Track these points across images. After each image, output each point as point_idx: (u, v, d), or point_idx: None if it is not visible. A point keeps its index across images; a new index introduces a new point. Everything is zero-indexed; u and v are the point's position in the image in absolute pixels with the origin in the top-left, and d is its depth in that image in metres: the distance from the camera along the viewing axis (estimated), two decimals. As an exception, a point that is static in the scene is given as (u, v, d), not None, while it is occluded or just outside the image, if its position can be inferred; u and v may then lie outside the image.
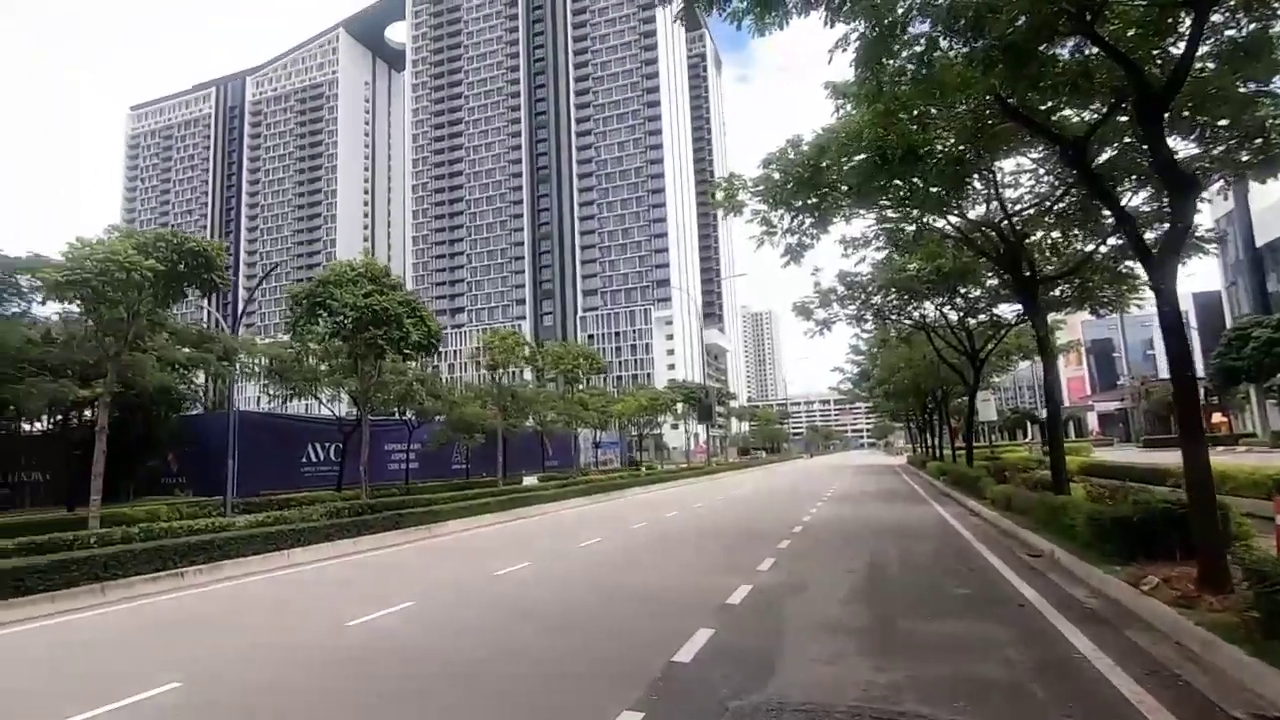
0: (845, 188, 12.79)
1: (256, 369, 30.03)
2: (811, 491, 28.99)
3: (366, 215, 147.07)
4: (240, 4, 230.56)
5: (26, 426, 28.25)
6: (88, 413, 26.51)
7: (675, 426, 73.39)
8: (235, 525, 13.05)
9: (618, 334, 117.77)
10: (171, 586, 10.76)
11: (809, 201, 13.51)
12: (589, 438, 58.18)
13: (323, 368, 28.89)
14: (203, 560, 11.44)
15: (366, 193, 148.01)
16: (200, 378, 33.48)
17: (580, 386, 42.53)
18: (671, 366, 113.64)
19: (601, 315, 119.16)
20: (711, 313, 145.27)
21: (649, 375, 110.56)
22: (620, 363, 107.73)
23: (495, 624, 7.81)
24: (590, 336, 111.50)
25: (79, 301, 12.26)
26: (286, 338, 31.58)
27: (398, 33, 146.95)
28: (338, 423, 32.71)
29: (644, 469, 54.84)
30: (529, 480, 34.44)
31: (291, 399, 32.69)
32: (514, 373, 34.87)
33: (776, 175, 13.36)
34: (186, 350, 24.79)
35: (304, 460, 32.65)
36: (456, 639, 7.21)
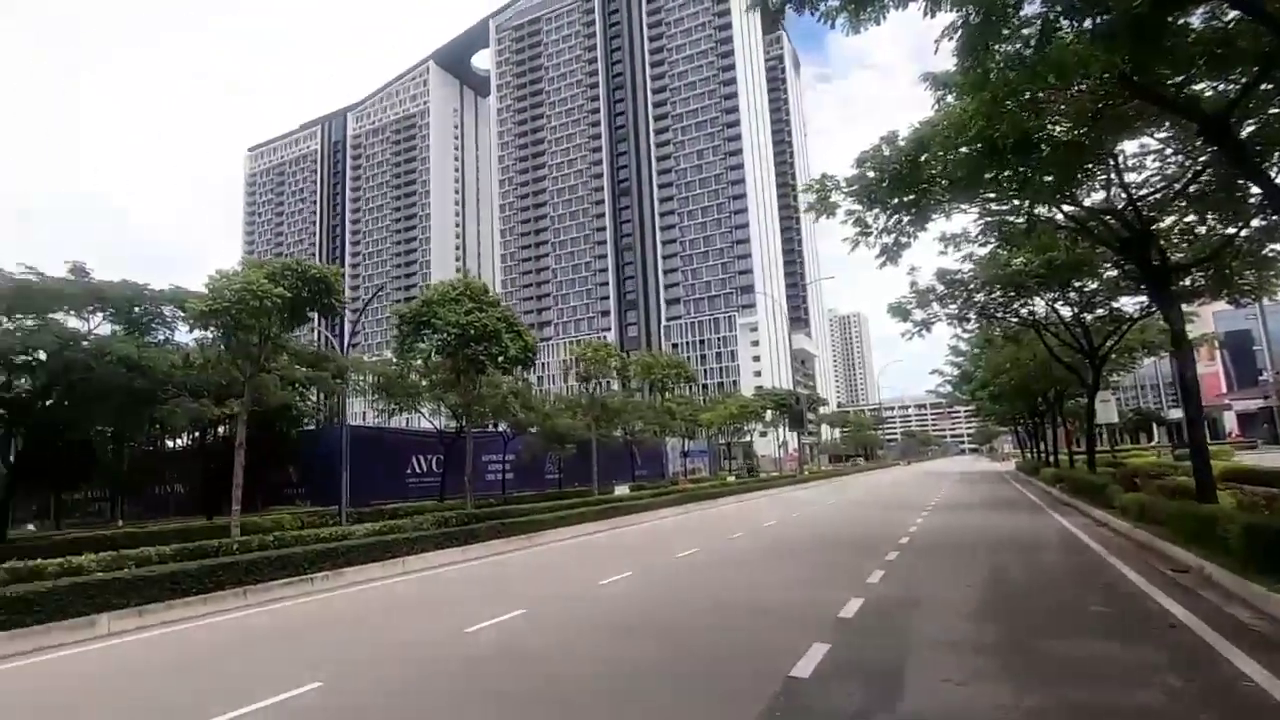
0: (946, 182, 12.26)
1: (365, 386, 31.91)
2: (914, 500, 27.77)
3: (458, 237, 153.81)
4: (341, 44, 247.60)
5: (170, 443, 31.16)
6: (221, 429, 29.00)
7: (764, 434, 72.25)
8: (354, 534, 13.85)
9: (702, 341, 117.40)
10: (302, 591, 11.53)
11: (906, 199, 13.04)
12: (676, 447, 58.20)
13: (423, 383, 30.36)
14: (328, 566, 12.21)
15: (457, 215, 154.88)
16: (314, 395, 35.90)
17: (668, 396, 42.61)
18: (758, 373, 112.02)
19: (685, 323, 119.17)
20: (798, 317, 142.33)
21: (735, 382, 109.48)
22: (705, 370, 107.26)
23: (605, 633, 7.89)
24: (675, 345, 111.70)
25: (218, 328, 13.50)
26: (390, 355, 33.48)
27: (483, 60, 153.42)
28: (439, 435, 34.21)
29: (734, 477, 54.23)
30: (620, 490, 34.77)
31: (397, 413, 34.57)
32: (603, 383, 35.38)
33: (871, 174, 12.98)
34: (304, 370, 26.61)
35: (409, 471, 34.31)
36: (571, 647, 7.33)
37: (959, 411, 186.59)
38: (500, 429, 37.79)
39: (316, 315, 15.73)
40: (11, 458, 21.44)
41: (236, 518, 14.02)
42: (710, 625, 8.09)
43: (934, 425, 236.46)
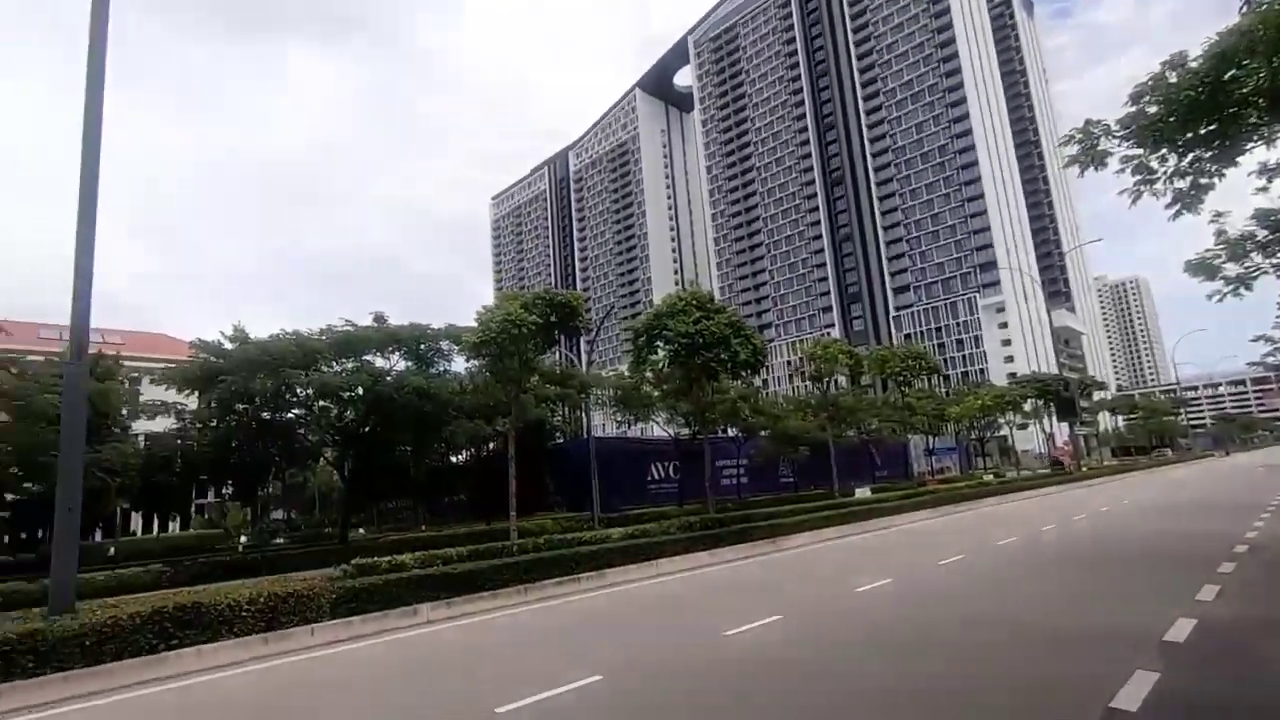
0: (1264, 101, 9.81)
1: (604, 399, 34.34)
2: (1244, 499, 22.49)
3: (674, 250, 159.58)
4: (563, 92, 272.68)
5: (454, 458, 36.30)
6: (491, 445, 33.13)
7: (1024, 426, 63.85)
8: (611, 537, 14.85)
9: (938, 329, 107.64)
10: (572, 590, 12.61)
11: (1205, 131, 10.70)
12: (920, 444, 53.87)
13: (655, 393, 31.81)
14: (591, 567, 13.22)
15: (672, 230, 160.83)
16: (561, 410, 39.40)
17: (907, 390, 39.65)
18: (1009, 358, 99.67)
19: (917, 312, 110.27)
20: (1056, 290, 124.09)
21: (982, 371, 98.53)
22: (946, 360, 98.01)
23: (875, 647, 7.45)
24: (906, 336, 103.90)
25: (486, 356, 15.52)
26: (623, 370, 35.68)
27: (684, 77, 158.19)
28: (674, 443, 35.54)
29: (991, 476, 48.62)
30: (862, 492, 33.03)
31: (633, 424, 36.66)
32: (834, 382, 34.00)
33: (1153, 109, 10.85)
34: (554, 388, 29.38)
35: (649, 479, 36.10)
36: (838, 660, 7.03)
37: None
38: (732, 434, 38.17)
39: (563, 337, 17.37)
40: (346, 475, 26.53)
41: (514, 523, 15.83)
42: (997, 643, 7.24)
43: (1259, 406, 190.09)
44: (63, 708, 7.13)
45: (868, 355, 36.72)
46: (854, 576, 11.92)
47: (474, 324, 15.35)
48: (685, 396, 26.40)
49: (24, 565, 23.96)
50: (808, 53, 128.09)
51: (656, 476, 36.53)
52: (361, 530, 32.79)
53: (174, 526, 41.18)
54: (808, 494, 35.87)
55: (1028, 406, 55.19)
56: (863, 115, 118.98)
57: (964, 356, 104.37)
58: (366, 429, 25.11)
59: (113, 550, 26.38)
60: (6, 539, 29.15)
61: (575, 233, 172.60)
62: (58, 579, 8.61)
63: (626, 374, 31.47)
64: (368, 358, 24.36)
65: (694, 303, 18.48)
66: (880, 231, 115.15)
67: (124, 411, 25.15)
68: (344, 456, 26.12)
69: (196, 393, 24.30)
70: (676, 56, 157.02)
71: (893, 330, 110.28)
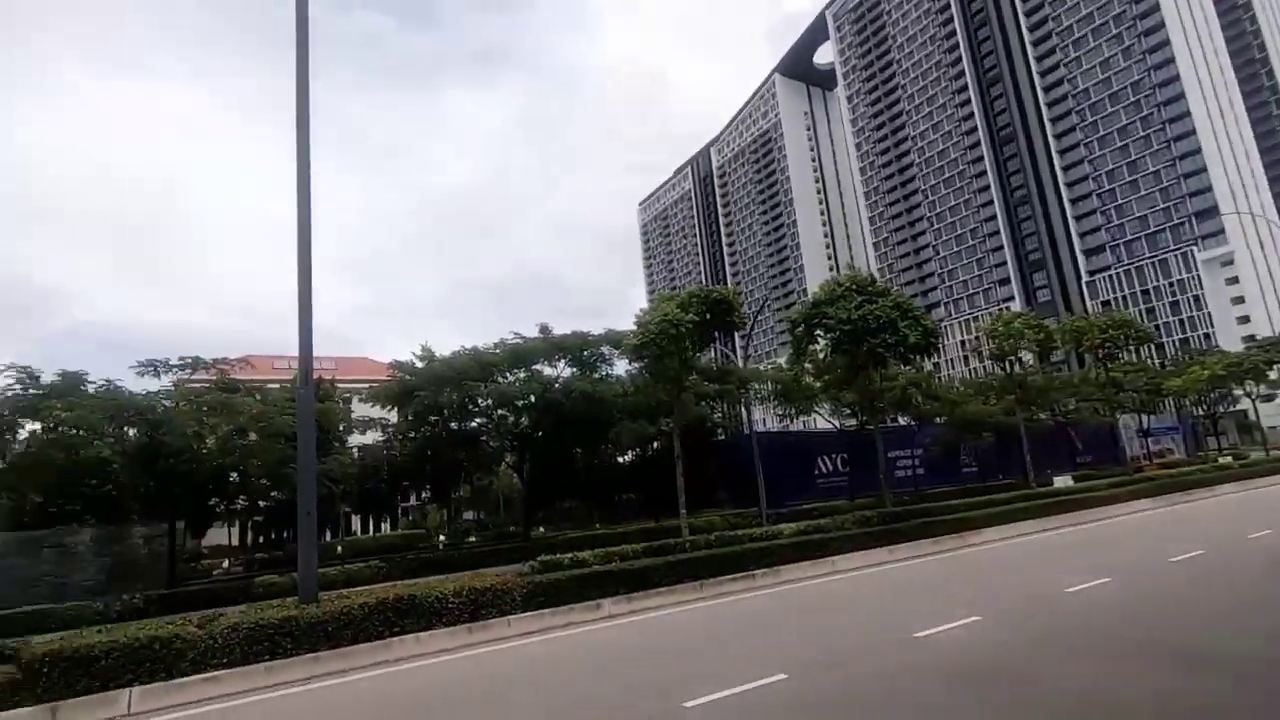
0: None
1: (764, 394, 33.79)
2: None
3: (826, 236, 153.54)
4: (692, 89, 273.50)
5: (620, 459, 37.59)
6: (655, 445, 33.88)
7: (1270, 398, 53.76)
8: (782, 534, 14.56)
9: (1145, 293, 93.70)
10: (745, 586, 12.53)
11: None
12: (1130, 425, 47.23)
13: (817, 384, 30.72)
14: (765, 564, 13.05)
15: (822, 214, 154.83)
16: (721, 407, 39.34)
17: (1110, 364, 34.97)
18: (1244, 319, 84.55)
19: (1115, 275, 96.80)
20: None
21: (1206, 336, 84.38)
22: (1158, 327, 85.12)
23: (1092, 652, 6.62)
24: (1105, 303, 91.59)
25: (646, 358, 15.91)
26: (780, 363, 34.86)
27: (825, 54, 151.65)
28: (841, 434, 34.16)
29: (1231, 459, 41.44)
30: (1061, 481, 29.55)
31: (794, 417, 35.71)
32: (1015, 360, 30.71)
33: None
34: (712, 385, 29.42)
35: (816, 473, 34.93)
36: (1047, 668, 6.34)
37: None
38: (904, 423, 35.98)
39: (720, 334, 17.35)
40: (524, 477, 28.43)
41: (684, 520, 16.06)
42: (1256, 654, 6.15)
43: None
44: (314, 684, 8.30)
45: (1058, 328, 32.82)
46: (1062, 575, 10.71)
47: (632, 328, 15.81)
48: (849, 386, 25.25)
49: (275, 561, 28.25)
50: (962, 3, 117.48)
51: (824, 470, 35.26)
52: (542, 529, 34.96)
53: (385, 527, 46.56)
54: (995, 485, 32.77)
55: (1274, 374, 46.37)
56: (1033, 62, 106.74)
57: (1181, 321, 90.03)
58: (540, 433, 26.76)
59: (340, 549, 30.39)
60: (260, 539, 34.60)
61: (722, 229, 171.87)
62: (304, 574, 10.04)
63: (785, 366, 30.73)
64: (537, 367, 25.97)
65: (854, 287, 17.60)
66: (1063, 189, 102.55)
67: (340, 427, 28.83)
68: (522, 460, 28.00)
69: (395, 408, 27.30)
70: (815, 34, 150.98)
71: (1086, 298, 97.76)
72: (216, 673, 8.34)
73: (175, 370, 22.24)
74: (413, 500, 44.21)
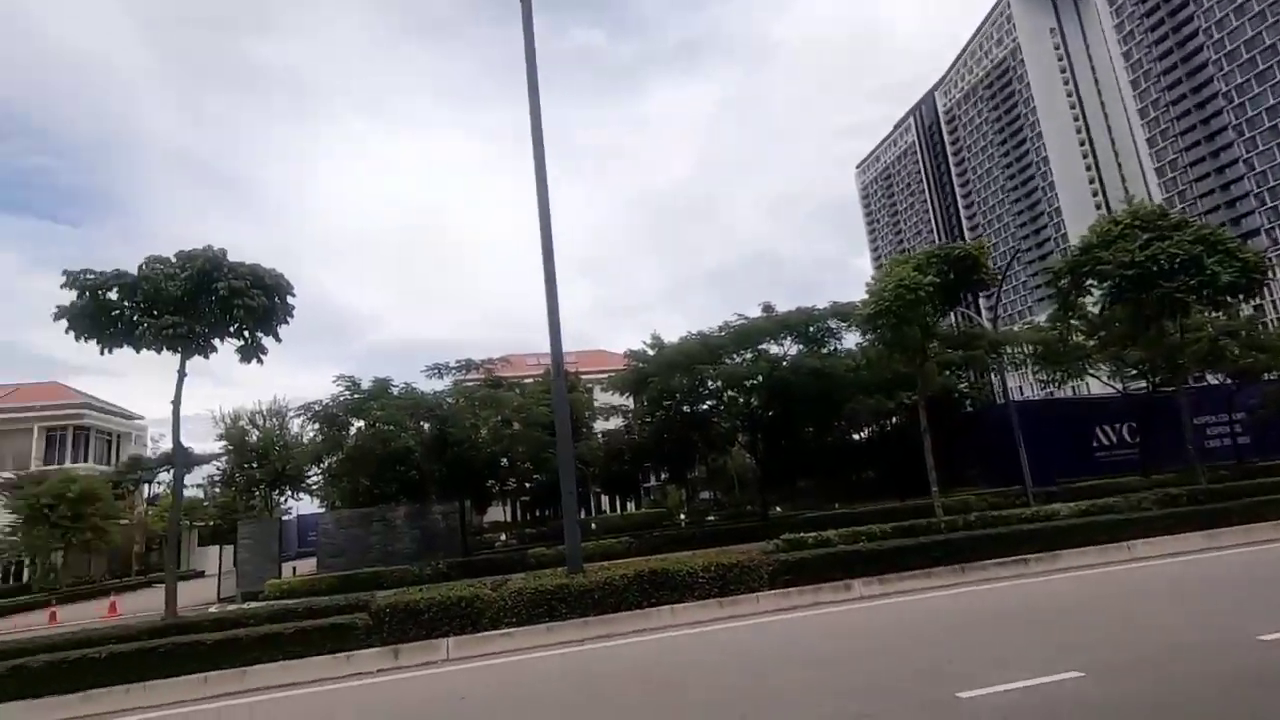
0: None
1: (1019, 358, 29.95)
2: None
3: (1089, 170, 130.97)
4: (906, 31, 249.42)
5: (854, 436, 35.98)
6: (893, 420, 31.85)
7: None
8: (1058, 514, 12.81)
9: None
10: (1016, 572, 11.25)
11: None
12: None
13: (1089, 344, 26.43)
14: (1038, 548, 11.60)
15: (1082, 146, 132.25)
16: (967, 375, 35.71)
17: None
18: None
19: None
20: None
21: None
22: None
23: None
24: None
25: (880, 328, 14.93)
26: (1039, 320, 30.51)
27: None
28: (1126, 399, 29.11)
29: None
30: None
31: (1060, 383, 31.10)
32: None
33: None
34: (957, 352, 26.82)
35: (1095, 445, 30.12)
36: None
37: None
38: (1217, 380, 29.55)
39: (967, 295, 15.68)
40: (758, 457, 28.53)
41: (937, 498, 14.89)
42: None
43: None
44: (587, 645, 9.19)
45: None
46: None
47: (861, 298, 14.94)
48: (1135, 342, 21.30)
49: (541, 535, 31.75)
50: None
51: (1105, 442, 30.22)
52: (778, 508, 34.84)
53: (630, 506, 49.93)
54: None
55: None
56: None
57: None
58: (770, 413, 26.63)
59: (593, 525, 33.27)
60: (528, 515, 39.12)
61: (954, 180, 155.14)
62: (570, 546, 11.17)
63: (1046, 325, 26.90)
64: (762, 346, 25.84)
65: (1137, 223, 14.70)
66: None
67: (587, 414, 31.44)
68: (754, 440, 28.13)
69: (632, 394, 29.05)
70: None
71: None
72: (509, 630, 9.63)
73: (454, 372, 26.02)
74: (653, 480, 46.82)
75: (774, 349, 26.00)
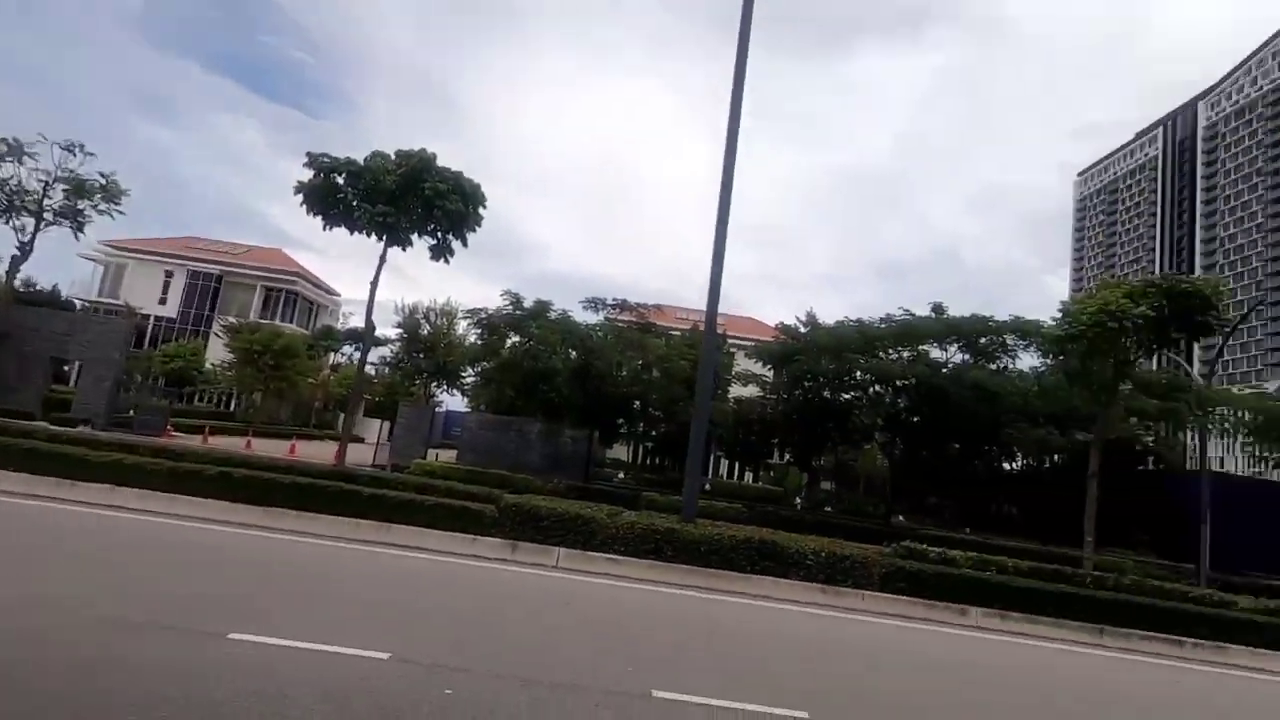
0: None
1: (1233, 424, 25.81)
2: None
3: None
4: (1174, 29, 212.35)
5: (1006, 465, 33.11)
6: (1055, 458, 28.92)
7: None
8: (1237, 605, 11.15)
9: None
10: (1167, 651, 10.04)
11: None
12: None
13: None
14: (1203, 635, 10.23)
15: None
16: (1163, 429, 31.43)
17: None
18: None
19: None
20: None
21: None
22: None
23: None
24: None
25: (1071, 355, 13.46)
26: (1270, 388, 25.90)
27: None
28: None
29: None
30: None
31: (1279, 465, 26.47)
32: None
33: None
34: (1154, 401, 23.65)
35: (1300, 541, 25.59)
36: None
37: None
38: None
39: (1184, 338, 13.62)
40: (893, 460, 27.19)
41: (1089, 550, 13.50)
42: None
43: None
44: (687, 592, 9.46)
45: None
46: None
47: (1054, 316, 13.43)
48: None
49: (656, 482, 32.60)
50: None
51: (1316, 541, 25.58)
52: (901, 518, 33.15)
53: (749, 478, 49.79)
54: None
55: None
56: None
57: None
58: (916, 418, 25.13)
59: (708, 486, 33.61)
60: (648, 461, 40.19)
61: (1199, 205, 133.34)
62: (688, 496, 11.45)
63: (1275, 393, 22.93)
64: (924, 348, 24.27)
65: None
66: None
67: (725, 377, 31.43)
68: (892, 442, 26.78)
69: (774, 367, 28.57)
70: None
71: None
72: (615, 556, 10.13)
73: (609, 309, 26.92)
74: (776, 458, 46.24)
75: (936, 353, 24.35)
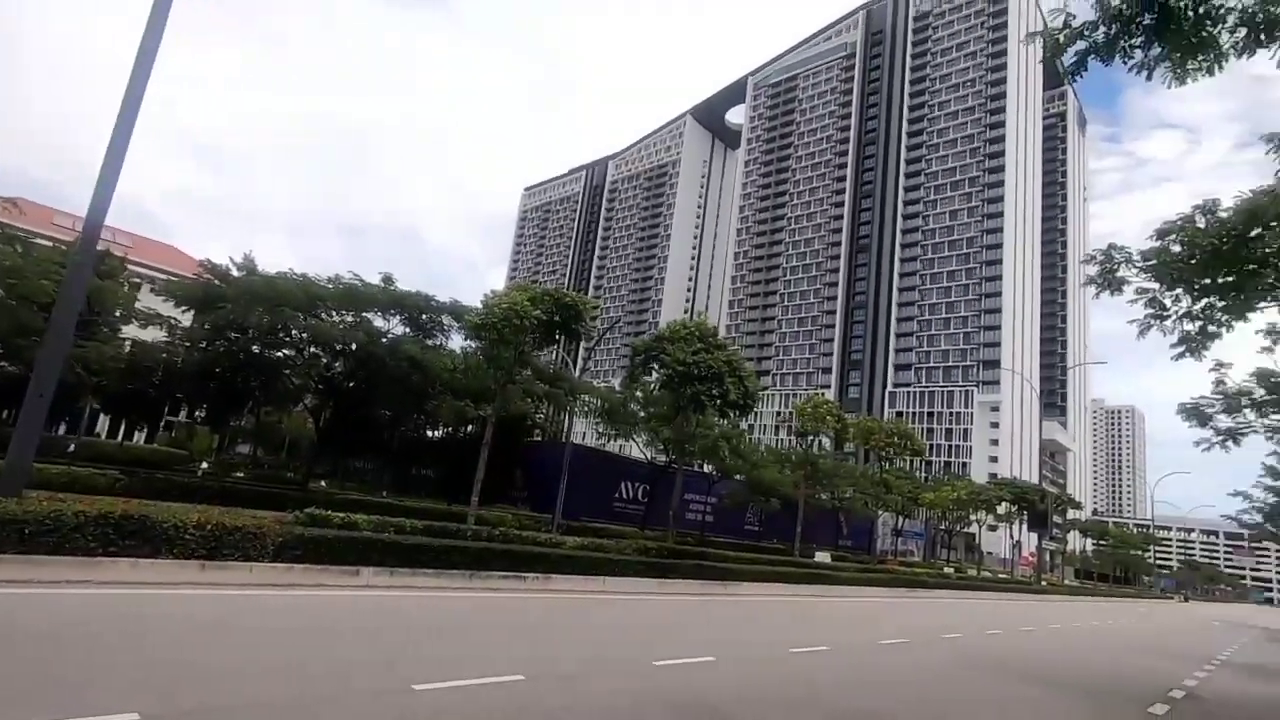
0: (1288, 264, 10.05)
1: (590, 409, 34.35)
2: (1187, 648, 22.46)
3: (690, 280, 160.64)
4: (617, 101, 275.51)
5: (430, 433, 36.16)
6: (469, 428, 33.04)
7: (994, 528, 63.87)
8: (565, 544, 14.80)
9: (930, 414, 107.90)
10: (515, 586, 12.56)
11: (1223, 281, 10.94)
12: (888, 523, 53.82)
13: (642, 415, 31.82)
14: (540, 569, 13.17)
15: (692, 259, 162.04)
16: (546, 409, 39.35)
17: (887, 468, 39.70)
18: (994, 458, 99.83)
19: (913, 392, 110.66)
20: (1052, 404, 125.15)
21: (965, 465, 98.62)
22: (932, 446, 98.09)
23: (797, 701, 7.42)
24: (899, 414, 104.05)
25: (484, 340, 15.58)
26: (615, 385, 35.74)
27: (737, 115, 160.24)
28: (649, 466, 35.49)
29: (951, 570, 48.50)
30: (821, 556, 32.92)
31: (613, 439, 36.60)
32: (818, 442, 34.02)
33: (1176, 248, 11.12)
34: (543, 386, 29.38)
35: (616, 496, 35.94)
36: (762, 707, 7.01)
37: (1268, 550, 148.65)
38: (707, 470, 38.12)
39: (563, 338, 17.44)
40: (320, 424, 26.43)
41: (474, 508, 15.79)
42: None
43: (1226, 560, 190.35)
44: (-12, 589, 7.07)
45: (855, 423, 36.82)
46: (793, 635, 11.90)
47: (479, 305, 15.45)
48: (669, 423, 26.45)
49: (-19, 442, 23.70)
50: (860, 119, 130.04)
51: (625, 496, 36.37)
52: (324, 482, 32.55)
53: (139, 438, 40.89)
54: (769, 546, 35.75)
55: (1001, 509, 55.26)
56: (901, 191, 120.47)
57: (951, 447, 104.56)
58: (351, 384, 25.07)
59: (72, 447, 26.19)
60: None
61: (599, 241, 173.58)
62: (12, 460, 8.57)
63: (618, 389, 31.57)
64: (368, 315, 24.41)
65: (697, 333, 18.63)
66: (894, 307, 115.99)
67: (117, 314, 25.10)
68: (322, 407, 26.04)
69: (193, 311, 24.31)
70: (733, 93, 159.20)
71: (885, 405, 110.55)
72: None
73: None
74: (182, 416, 39.31)
75: (379, 322, 24.80)
